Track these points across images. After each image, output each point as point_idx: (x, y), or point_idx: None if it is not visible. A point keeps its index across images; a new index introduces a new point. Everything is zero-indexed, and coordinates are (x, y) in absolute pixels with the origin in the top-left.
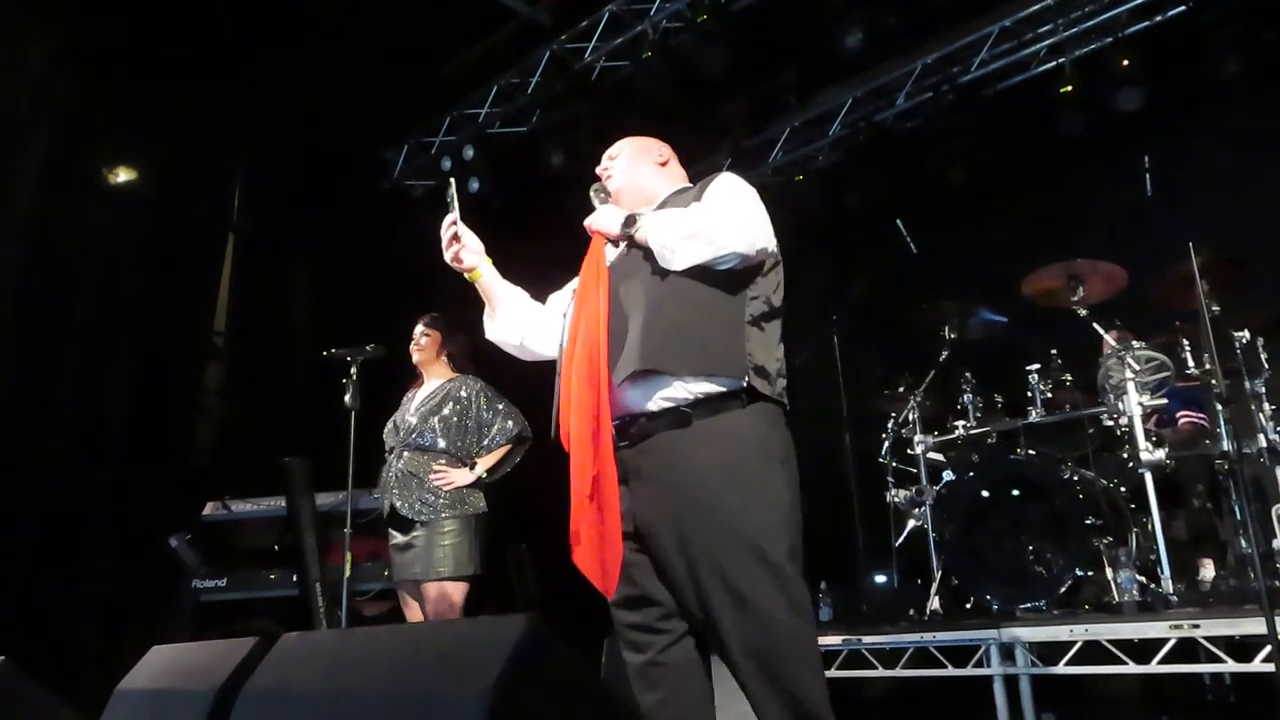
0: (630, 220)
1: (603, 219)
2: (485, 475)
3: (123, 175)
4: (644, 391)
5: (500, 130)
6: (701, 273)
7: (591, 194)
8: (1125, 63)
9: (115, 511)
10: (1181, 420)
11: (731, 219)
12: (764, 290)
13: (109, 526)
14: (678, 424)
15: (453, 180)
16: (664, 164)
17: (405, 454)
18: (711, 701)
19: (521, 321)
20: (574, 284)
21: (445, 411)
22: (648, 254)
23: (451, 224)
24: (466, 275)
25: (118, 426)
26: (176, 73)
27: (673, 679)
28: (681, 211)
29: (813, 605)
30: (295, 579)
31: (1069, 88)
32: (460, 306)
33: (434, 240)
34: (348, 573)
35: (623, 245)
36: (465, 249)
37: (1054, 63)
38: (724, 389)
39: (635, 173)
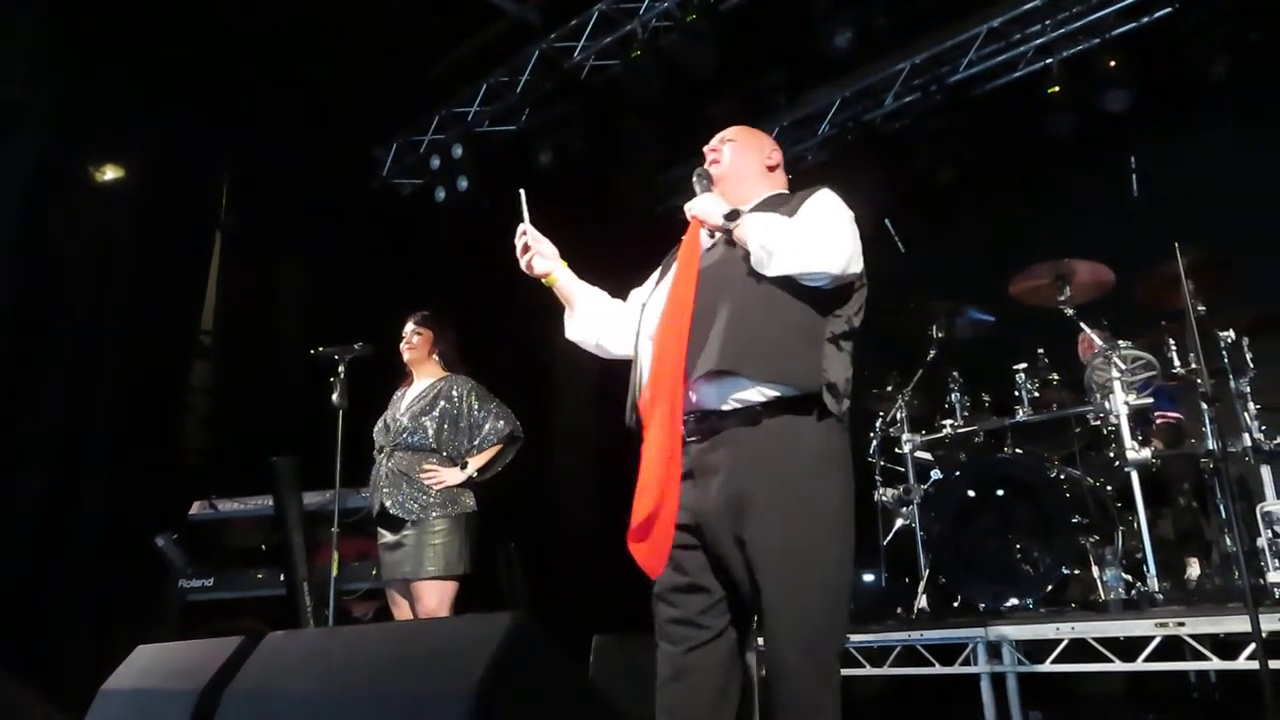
0: (733, 214)
1: (706, 206)
2: (476, 475)
3: (110, 173)
4: (718, 390)
5: (489, 129)
6: (790, 284)
7: (694, 177)
8: (1112, 63)
9: (102, 510)
10: (1158, 420)
11: (831, 239)
12: (847, 311)
13: (95, 525)
14: (746, 422)
15: (523, 190)
16: (772, 168)
17: (396, 453)
18: (730, 701)
19: (599, 321)
20: (654, 276)
21: (436, 410)
22: (742, 253)
23: (523, 232)
24: (543, 281)
25: (104, 425)
26: (165, 70)
27: (697, 676)
28: (784, 219)
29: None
30: (283, 578)
31: (1056, 88)
32: (449, 305)
33: (423, 238)
34: (335, 572)
35: (717, 236)
36: (538, 255)
37: (1041, 63)
38: (795, 395)
39: (742, 165)
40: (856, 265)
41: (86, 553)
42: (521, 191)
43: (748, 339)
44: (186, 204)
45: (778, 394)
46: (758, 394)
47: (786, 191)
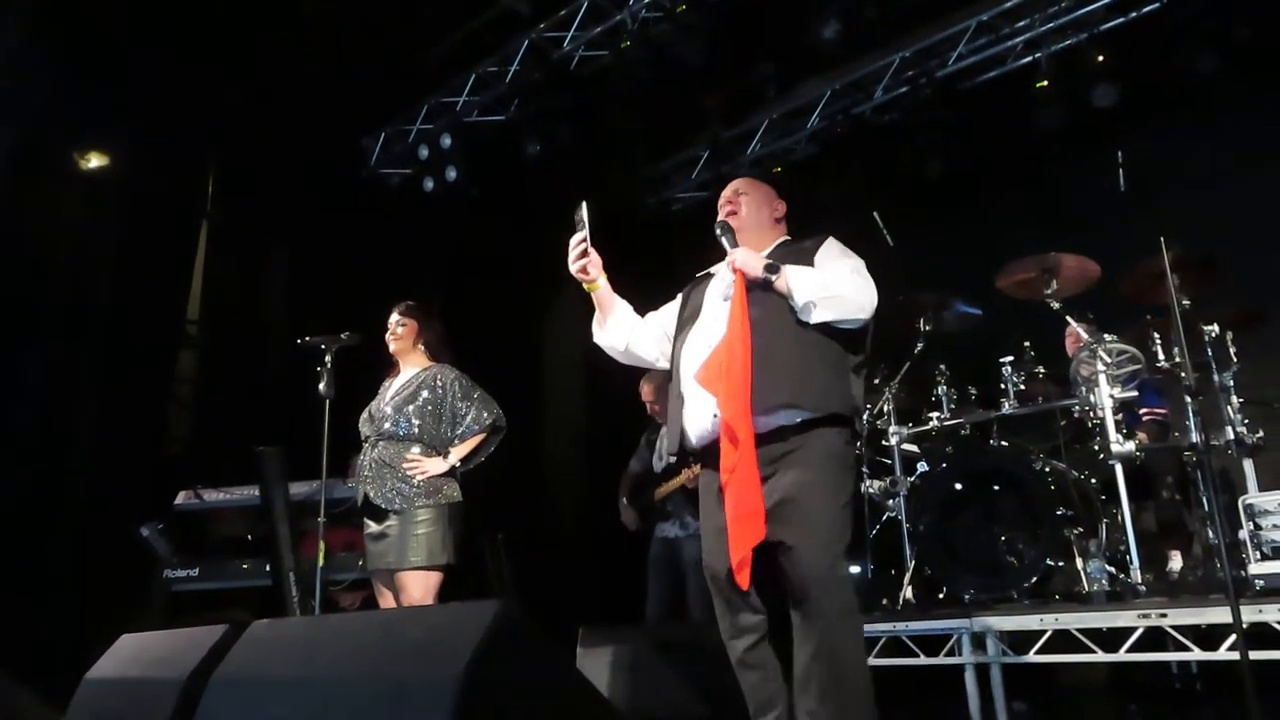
0: (772, 268)
1: (748, 260)
2: (459, 464)
3: (95, 161)
4: (768, 418)
5: (478, 119)
6: (824, 326)
7: (718, 233)
8: (1100, 58)
9: (87, 500)
10: (1145, 416)
11: (860, 289)
12: (866, 343)
13: (80, 515)
14: (787, 438)
15: (584, 202)
16: (778, 220)
17: (380, 443)
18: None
19: (628, 330)
20: (671, 308)
21: (419, 400)
22: (776, 299)
23: (581, 242)
24: (586, 286)
25: (90, 415)
26: (152, 57)
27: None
28: (819, 274)
29: None
30: (268, 569)
31: (1044, 83)
32: (437, 295)
33: (411, 228)
34: (321, 562)
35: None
36: (591, 263)
37: (1030, 58)
38: (826, 415)
39: (756, 218)
40: (875, 307)
41: (71, 542)
42: (584, 204)
43: (797, 378)
44: (173, 193)
45: (813, 415)
46: (799, 415)
47: (790, 238)
